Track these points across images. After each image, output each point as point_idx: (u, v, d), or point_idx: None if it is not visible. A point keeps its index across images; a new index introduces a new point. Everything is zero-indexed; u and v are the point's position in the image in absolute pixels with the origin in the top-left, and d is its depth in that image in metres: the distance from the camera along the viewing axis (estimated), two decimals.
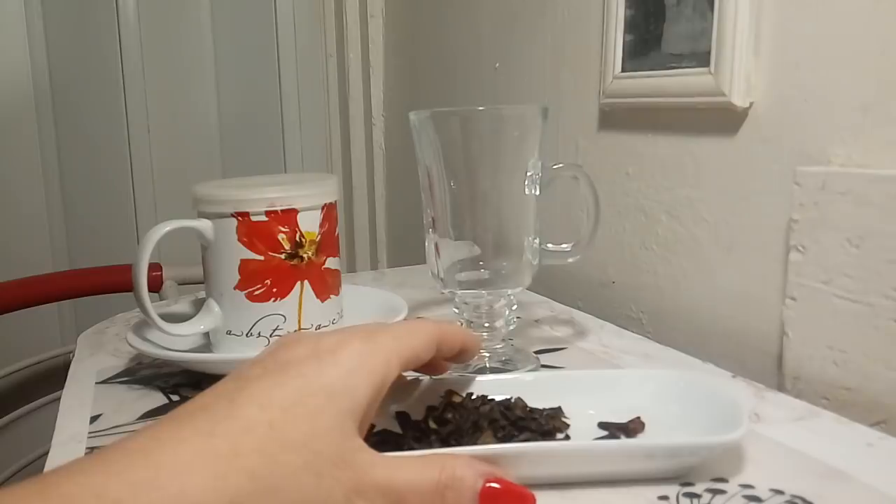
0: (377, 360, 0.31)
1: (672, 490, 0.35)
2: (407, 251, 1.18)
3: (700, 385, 0.41)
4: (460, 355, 0.37)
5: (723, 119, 0.56)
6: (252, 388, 0.28)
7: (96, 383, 0.53)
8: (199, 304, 0.53)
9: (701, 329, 0.61)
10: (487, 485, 0.30)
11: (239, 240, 0.49)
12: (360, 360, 0.30)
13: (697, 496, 0.34)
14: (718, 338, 0.59)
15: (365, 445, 0.29)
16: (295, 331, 0.50)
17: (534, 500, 0.31)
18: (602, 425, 0.40)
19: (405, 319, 0.36)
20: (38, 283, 1.09)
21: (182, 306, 0.61)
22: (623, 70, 0.65)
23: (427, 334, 0.34)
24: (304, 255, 0.50)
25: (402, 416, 0.40)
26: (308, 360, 0.30)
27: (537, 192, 0.50)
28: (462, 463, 0.30)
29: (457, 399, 0.40)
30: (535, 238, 0.51)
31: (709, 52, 0.55)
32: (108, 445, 0.26)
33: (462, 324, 0.52)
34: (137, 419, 0.46)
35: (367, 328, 0.33)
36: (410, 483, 0.29)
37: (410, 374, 0.40)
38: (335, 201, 0.53)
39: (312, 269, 0.51)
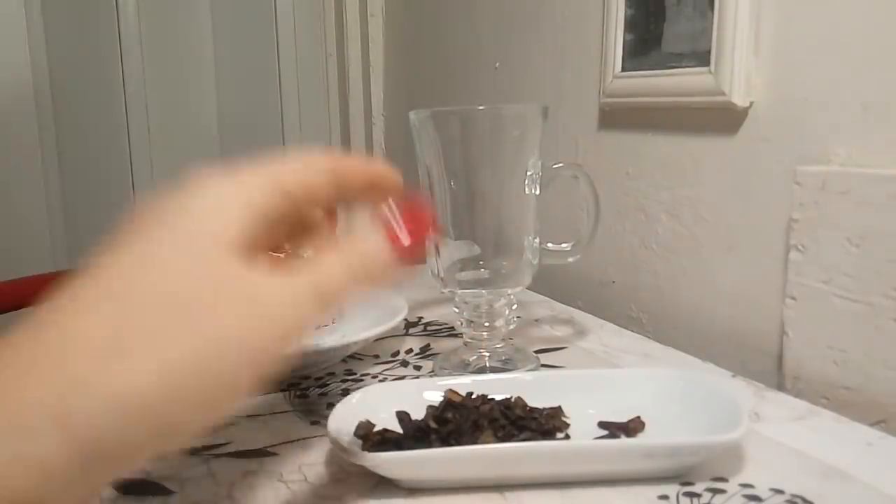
0: (237, 188, 0.26)
1: (672, 489, 0.35)
2: None
3: (700, 385, 0.41)
4: (374, 191, 0.31)
5: (723, 119, 0.56)
6: (91, 270, 0.25)
7: None
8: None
9: (701, 329, 0.61)
10: (387, 231, 0.29)
11: None
12: (213, 196, 0.26)
13: (697, 496, 0.34)
14: (718, 338, 0.59)
15: (247, 267, 0.25)
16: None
17: (431, 214, 0.30)
18: (602, 425, 0.40)
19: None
20: (38, 283, 1.09)
21: None
22: (623, 69, 0.65)
23: (308, 161, 0.29)
24: (305, 255, 0.50)
25: (402, 416, 0.40)
26: (153, 224, 0.26)
27: (537, 192, 0.50)
28: (359, 238, 0.29)
29: (457, 399, 0.40)
30: (535, 237, 0.51)
31: (709, 52, 0.55)
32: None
33: (462, 323, 0.52)
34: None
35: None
36: (327, 275, 0.27)
37: (410, 374, 0.40)
38: None
39: None
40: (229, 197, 0.26)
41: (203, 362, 0.23)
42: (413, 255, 0.30)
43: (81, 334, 0.23)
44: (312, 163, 0.29)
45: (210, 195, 0.26)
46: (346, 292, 0.27)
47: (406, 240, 0.30)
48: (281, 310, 0.25)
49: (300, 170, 0.28)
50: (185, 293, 0.23)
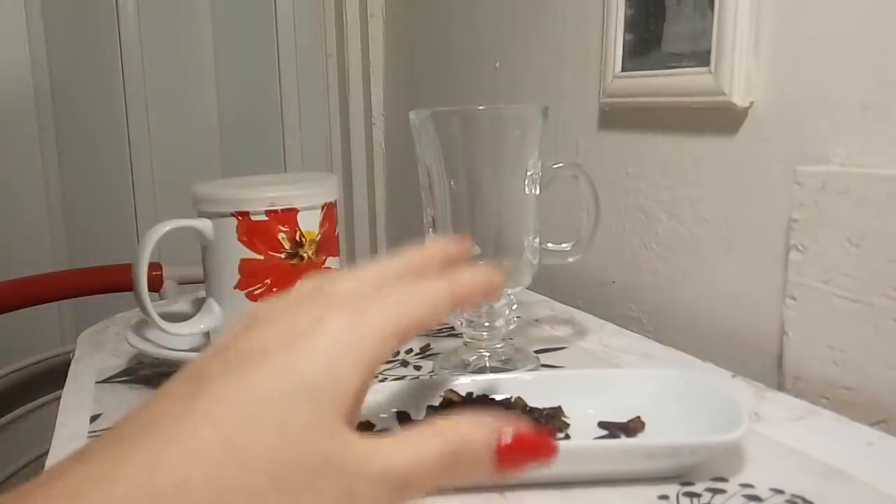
0: (366, 341, 0.25)
1: (672, 489, 0.35)
2: None
3: (700, 385, 0.41)
4: (481, 301, 0.31)
5: (723, 118, 0.56)
6: (207, 395, 0.23)
7: (96, 383, 0.53)
8: (199, 304, 0.53)
9: (701, 329, 0.61)
10: (503, 437, 0.26)
11: (239, 239, 0.49)
12: (344, 344, 0.24)
13: (697, 496, 0.34)
14: (718, 338, 0.59)
15: (355, 437, 0.24)
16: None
17: (553, 444, 0.27)
18: (602, 425, 0.40)
19: (411, 272, 0.29)
20: (38, 283, 1.09)
21: (182, 306, 0.61)
22: (623, 69, 0.65)
23: (434, 302, 0.27)
24: (304, 255, 0.50)
25: (402, 416, 0.40)
26: (277, 349, 0.24)
27: (537, 192, 0.50)
28: (466, 423, 0.26)
29: (457, 399, 0.40)
30: (535, 237, 0.51)
31: (709, 52, 0.55)
32: (34, 481, 0.21)
33: (462, 323, 0.52)
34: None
35: (356, 289, 0.27)
36: (412, 463, 0.25)
37: (410, 374, 0.40)
38: (335, 201, 0.53)
39: (312, 268, 0.51)
40: (358, 349, 0.25)
41: None
42: (509, 471, 0.27)
43: (180, 478, 0.21)
44: (436, 298, 0.27)
45: (339, 341, 0.25)
46: (432, 484, 0.25)
47: (512, 458, 0.26)
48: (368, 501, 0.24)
49: (424, 312, 0.27)
50: (293, 462, 0.22)
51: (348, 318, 0.25)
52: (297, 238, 0.50)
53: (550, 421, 0.39)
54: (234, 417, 0.22)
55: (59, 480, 0.21)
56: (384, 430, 0.38)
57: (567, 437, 0.39)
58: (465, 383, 0.42)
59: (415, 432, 0.26)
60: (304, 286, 0.28)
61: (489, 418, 0.26)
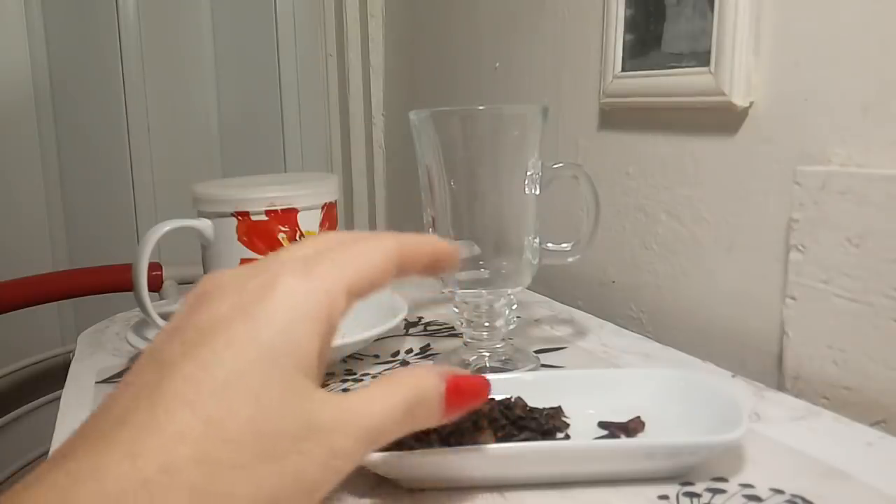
0: (319, 299, 0.25)
1: (672, 489, 0.35)
2: None
3: (700, 385, 0.41)
4: (433, 268, 0.31)
5: (723, 119, 0.56)
6: (175, 379, 0.23)
7: (96, 383, 0.53)
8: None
9: (701, 329, 0.61)
10: (448, 384, 0.28)
11: (239, 239, 0.49)
12: (298, 305, 0.25)
13: (697, 496, 0.34)
14: (718, 338, 0.59)
15: (327, 397, 0.25)
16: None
17: (488, 384, 0.30)
18: (602, 425, 0.40)
19: (356, 234, 0.29)
20: (38, 283, 1.09)
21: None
22: (623, 69, 0.65)
23: (381, 254, 0.28)
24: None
25: None
26: (234, 319, 0.24)
27: (537, 192, 0.50)
28: (422, 373, 0.28)
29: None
30: (535, 238, 0.51)
31: (709, 52, 0.55)
32: (16, 487, 0.21)
33: (462, 323, 0.52)
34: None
35: (303, 254, 0.27)
36: (383, 416, 0.26)
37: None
38: (335, 201, 0.53)
39: None
40: (313, 308, 0.25)
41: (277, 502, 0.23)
42: (458, 411, 0.29)
43: (165, 462, 0.21)
44: (384, 254, 0.28)
45: (293, 303, 0.25)
46: (398, 434, 0.27)
47: (459, 400, 0.29)
48: (345, 462, 0.25)
49: (373, 267, 0.27)
50: (272, 430, 0.23)
51: (299, 279, 0.25)
52: (297, 238, 0.50)
53: (550, 421, 0.39)
54: (206, 395, 0.22)
55: (43, 482, 0.21)
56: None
57: (567, 437, 0.39)
58: None
59: (378, 385, 0.27)
60: (248, 265, 0.28)
61: (433, 367, 0.29)
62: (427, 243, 0.30)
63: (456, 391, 0.28)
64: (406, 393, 0.27)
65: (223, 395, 0.22)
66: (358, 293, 0.27)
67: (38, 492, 0.20)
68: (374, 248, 0.28)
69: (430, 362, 0.53)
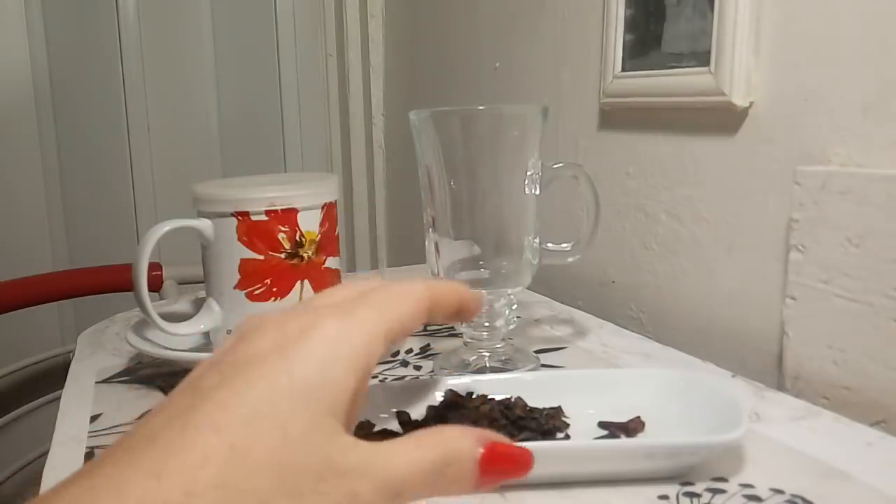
0: (357, 342, 0.26)
1: (672, 489, 0.35)
2: (407, 251, 1.19)
3: (700, 385, 0.41)
4: (459, 315, 0.32)
5: (723, 119, 0.56)
6: (207, 404, 0.23)
7: (96, 383, 0.53)
8: (199, 304, 0.53)
9: (701, 329, 0.61)
10: (485, 449, 0.27)
11: (239, 239, 0.49)
12: (336, 345, 0.25)
13: (697, 496, 0.34)
14: (718, 338, 0.59)
15: (353, 442, 0.25)
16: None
17: (531, 456, 0.28)
18: (602, 425, 0.40)
19: (388, 281, 0.30)
20: (38, 283, 1.09)
21: (182, 306, 0.61)
22: (623, 69, 0.65)
23: (416, 299, 0.29)
24: (305, 255, 0.50)
25: (402, 416, 0.40)
26: (272, 356, 0.25)
27: (537, 192, 0.50)
28: (457, 434, 0.27)
29: (457, 399, 0.40)
30: (535, 238, 0.51)
31: (709, 52, 0.55)
32: (37, 499, 0.21)
33: (462, 323, 0.52)
34: (137, 418, 0.46)
35: (341, 298, 0.28)
36: (408, 469, 0.25)
37: (410, 374, 0.40)
38: (335, 201, 0.53)
39: (312, 268, 0.51)
40: (351, 351, 0.25)
41: None
42: (495, 481, 0.28)
43: (187, 484, 0.21)
44: (418, 300, 0.28)
45: (331, 344, 0.25)
46: (422, 493, 0.26)
47: (497, 472, 0.28)
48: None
49: (408, 312, 0.28)
50: (295, 465, 0.23)
51: (338, 322, 0.26)
52: (297, 238, 0.50)
53: (550, 421, 0.39)
54: (235, 423, 0.23)
55: (66, 496, 0.21)
56: (384, 430, 0.38)
57: (567, 437, 0.39)
58: (465, 383, 0.42)
59: (409, 439, 0.26)
60: (289, 307, 0.29)
61: (473, 429, 0.27)
62: (455, 290, 0.31)
63: (494, 458, 0.27)
64: (437, 450, 0.26)
65: (251, 424, 0.23)
66: (394, 338, 0.27)
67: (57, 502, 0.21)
68: (409, 294, 0.28)
69: (430, 362, 0.53)
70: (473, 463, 0.27)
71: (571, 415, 0.40)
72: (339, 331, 0.26)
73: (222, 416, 0.23)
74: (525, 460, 0.28)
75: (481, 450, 0.27)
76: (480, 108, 0.48)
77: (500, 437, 0.28)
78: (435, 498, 0.26)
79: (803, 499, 0.34)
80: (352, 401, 0.25)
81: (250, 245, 0.49)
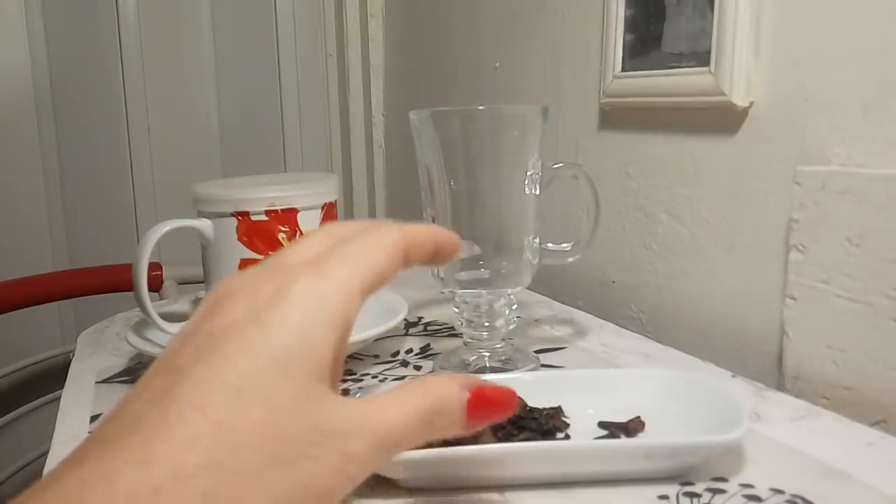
0: (333, 301, 0.25)
1: (672, 489, 0.35)
2: None
3: (700, 385, 0.41)
4: (436, 258, 0.31)
5: (723, 119, 0.56)
6: (187, 383, 0.23)
7: (96, 383, 0.53)
8: (199, 304, 0.53)
9: (701, 329, 0.61)
10: (471, 395, 0.27)
11: (239, 239, 0.49)
12: (312, 308, 0.25)
13: (697, 496, 0.34)
14: (718, 338, 0.59)
15: (341, 402, 0.24)
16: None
17: (515, 397, 0.29)
18: (602, 425, 0.40)
19: (363, 225, 0.29)
20: (38, 283, 1.09)
21: (182, 306, 0.61)
22: (623, 69, 0.65)
23: (390, 247, 0.28)
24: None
25: None
26: (247, 325, 0.24)
27: (537, 192, 0.50)
28: (443, 382, 0.27)
29: None
30: (535, 237, 0.51)
31: (709, 52, 0.55)
32: (26, 492, 0.21)
33: (462, 323, 0.52)
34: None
35: (314, 251, 0.27)
36: (399, 423, 0.25)
37: (410, 374, 0.40)
38: (335, 201, 0.53)
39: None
40: (328, 311, 0.25)
41: None
42: (482, 423, 0.28)
43: (176, 468, 0.21)
44: (392, 246, 0.28)
45: (307, 307, 0.25)
46: (414, 442, 0.26)
47: (483, 413, 0.28)
48: (359, 468, 0.24)
49: (383, 261, 0.27)
50: (285, 436, 0.23)
51: (310, 282, 0.25)
52: (298, 238, 0.50)
53: (550, 421, 0.39)
54: (218, 400, 0.22)
55: (53, 488, 0.21)
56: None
57: (567, 436, 0.39)
58: None
59: (395, 392, 0.26)
60: (258, 266, 0.28)
61: (458, 376, 0.28)
62: (429, 232, 0.30)
63: (479, 401, 0.27)
64: (424, 400, 0.26)
65: (235, 400, 0.22)
66: (370, 289, 0.27)
67: (48, 497, 0.20)
68: (382, 241, 0.28)
69: (430, 362, 0.53)
70: (461, 409, 0.27)
71: (571, 415, 0.40)
72: (313, 292, 0.25)
73: (204, 395, 0.22)
74: (509, 401, 0.29)
75: (468, 395, 0.27)
76: (480, 108, 0.48)
77: (483, 381, 0.28)
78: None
79: (803, 499, 0.34)
80: (334, 360, 0.25)
81: (250, 245, 0.49)
